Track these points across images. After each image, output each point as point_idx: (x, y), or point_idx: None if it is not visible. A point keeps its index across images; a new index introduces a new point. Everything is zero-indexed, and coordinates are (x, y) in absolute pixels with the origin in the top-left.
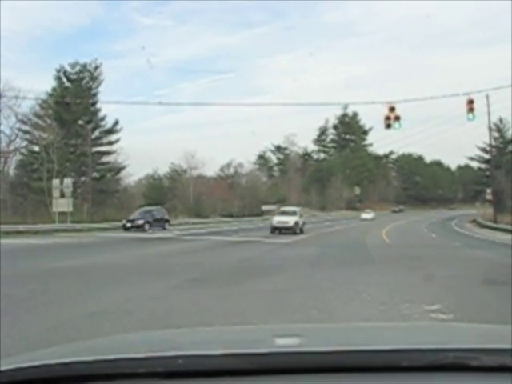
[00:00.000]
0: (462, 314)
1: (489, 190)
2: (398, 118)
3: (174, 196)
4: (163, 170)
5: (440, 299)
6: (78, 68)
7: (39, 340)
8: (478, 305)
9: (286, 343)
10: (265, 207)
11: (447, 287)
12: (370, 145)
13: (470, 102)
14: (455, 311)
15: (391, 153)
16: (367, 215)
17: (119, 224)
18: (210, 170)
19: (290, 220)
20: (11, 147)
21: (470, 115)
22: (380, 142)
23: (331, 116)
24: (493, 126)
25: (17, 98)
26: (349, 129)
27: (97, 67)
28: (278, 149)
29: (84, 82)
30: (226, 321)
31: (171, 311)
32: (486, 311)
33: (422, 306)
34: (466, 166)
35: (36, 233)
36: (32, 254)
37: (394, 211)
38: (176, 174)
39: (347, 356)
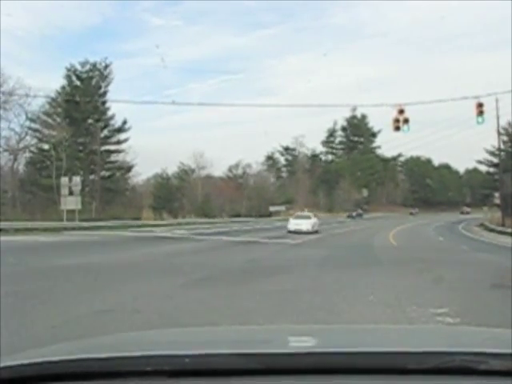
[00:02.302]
0: (470, 317)
1: (497, 194)
2: (406, 121)
3: (182, 196)
4: (172, 169)
5: (447, 302)
6: (88, 67)
7: (46, 337)
8: (485, 309)
9: (293, 344)
10: (272, 208)
11: (454, 290)
12: (379, 147)
13: (480, 105)
14: (462, 315)
15: (399, 155)
16: (299, 222)
17: (127, 223)
18: (219, 171)
19: None
20: (21, 145)
21: (480, 118)
22: (388, 145)
23: (340, 118)
24: (502, 130)
25: (27, 96)
26: (357, 131)
27: (107, 66)
28: (287, 150)
29: (94, 80)
30: (232, 321)
31: (178, 310)
32: (494, 315)
33: (428, 309)
34: (475, 170)
35: (45, 230)
36: (40, 251)
37: (351, 216)
38: (184, 174)
39: (354, 358)
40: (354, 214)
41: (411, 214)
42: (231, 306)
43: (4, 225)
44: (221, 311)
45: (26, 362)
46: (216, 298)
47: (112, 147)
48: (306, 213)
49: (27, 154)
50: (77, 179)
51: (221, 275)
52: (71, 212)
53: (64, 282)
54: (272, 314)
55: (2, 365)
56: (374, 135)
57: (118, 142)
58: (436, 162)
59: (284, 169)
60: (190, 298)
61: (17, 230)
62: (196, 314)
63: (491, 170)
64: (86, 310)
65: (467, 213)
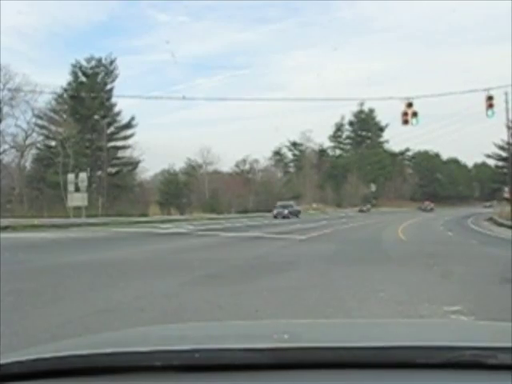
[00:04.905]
0: (484, 315)
1: (506, 188)
2: (415, 114)
3: (189, 191)
4: (179, 165)
5: (460, 299)
6: (93, 63)
7: (45, 338)
8: (500, 305)
9: (303, 338)
10: (280, 203)
11: (467, 286)
12: (386, 141)
13: (490, 98)
14: (477, 312)
15: (407, 150)
16: None
17: (134, 219)
18: (226, 166)
19: None
20: (28, 142)
21: (490, 112)
22: (396, 139)
23: (347, 112)
24: (511, 124)
25: (34, 92)
26: (365, 125)
27: (112, 62)
28: (294, 145)
29: (99, 76)
30: (238, 319)
31: (183, 309)
32: (508, 312)
33: (441, 306)
34: (483, 164)
35: (51, 227)
36: (46, 248)
37: (280, 215)
38: (191, 170)
39: (362, 352)
40: (286, 211)
41: (361, 211)
42: (237, 303)
43: (11, 221)
44: (227, 309)
45: (35, 357)
46: (222, 296)
47: (119, 143)
48: None
49: (34, 151)
50: (83, 175)
51: (227, 272)
52: (78, 208)
53: (68, 280)
54: (279, 312)
55: (12, 360)
56: (381, 130)
57: (125, 138)
58: (444, 157)
59: (291, 164)
60: (195, 295)
61: (24, 227)
62: (201, 313)
63: (500, 163)
64: (89, 309)
65: (431, 209)
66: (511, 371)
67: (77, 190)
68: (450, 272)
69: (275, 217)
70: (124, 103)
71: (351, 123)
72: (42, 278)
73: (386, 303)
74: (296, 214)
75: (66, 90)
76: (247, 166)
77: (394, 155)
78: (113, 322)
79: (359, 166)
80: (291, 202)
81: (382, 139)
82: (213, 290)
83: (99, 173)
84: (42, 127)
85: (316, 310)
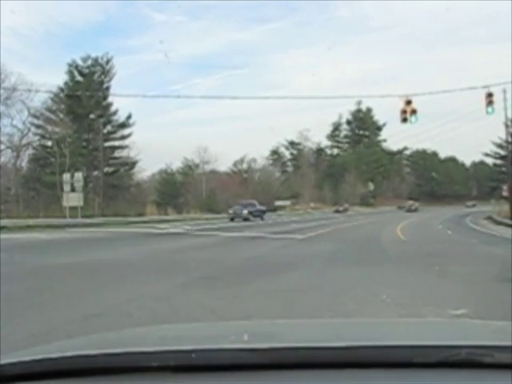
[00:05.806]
0: (492, 318)
1: (505, 187)
2: (414, 112)
3: (186, 191)
4: (176, 164)
5: (465, 301)
6: (89, 62)
7: (23, 347)
8: (507, 308)
9: (300, 338)
10: (278, 203)
11: (471, 287)
12: (384, 140)
13: (489, 95)
14: (483, 315)
15: (405, 148)
16: None
17: (131, 219)
18: (223, 165)
19: None
20: (24, 141)
21: (489, 109)
22: (394, 138)
23: (345, 111)
24: (509, 122)
25: (29, 91)
26: (362, 124)
27: (108, 61)
28: (292, 144)
29: (96, 76)
30: None
31: (175, 313)
32: None
33: (446, 309)
34: (481, 163)
35: (47, 227)
36: (39, 249)
37: None
38: (189, 169)
39: (359, 351)
40: (245, 211)
41: (337, 211)
42: (232, 307)
43: (6, 222)
44: (221, 313)
45: (32, 358)
46: (216, 299)
47: (116, 143)
48: None
49: (30, 151)
50: (79, 175)
51: (223, 273)
52: (74, 209)
53: (56, 283)
54: (276, 317)
55: (14, 360)
56: (379, 128)
57: (122, 138)
58: (442, 155)
59: (289, 163)
60: (188, 298)
61: (19, 228)
62: (194, 317)
63: (498, 162)
64: (75, 314)
65: (415, 209)
66: (508, 370)
67: (73, 190)
68: (452, 272)
69: (232, 219)
70: (121, 103)
71: (349, 122)
72: (29, 281)
73: (388, 306)
74: (259, 215)
75: (62, 89)
76: (245, 166)
77: (391, 154)
78: (98, 330)
79: (357, 165)
80: (254, 201)
81: (379, 138)
82: (207, 292)
83: (96, 172)
84: (37, 127)
85: (315, 314)
